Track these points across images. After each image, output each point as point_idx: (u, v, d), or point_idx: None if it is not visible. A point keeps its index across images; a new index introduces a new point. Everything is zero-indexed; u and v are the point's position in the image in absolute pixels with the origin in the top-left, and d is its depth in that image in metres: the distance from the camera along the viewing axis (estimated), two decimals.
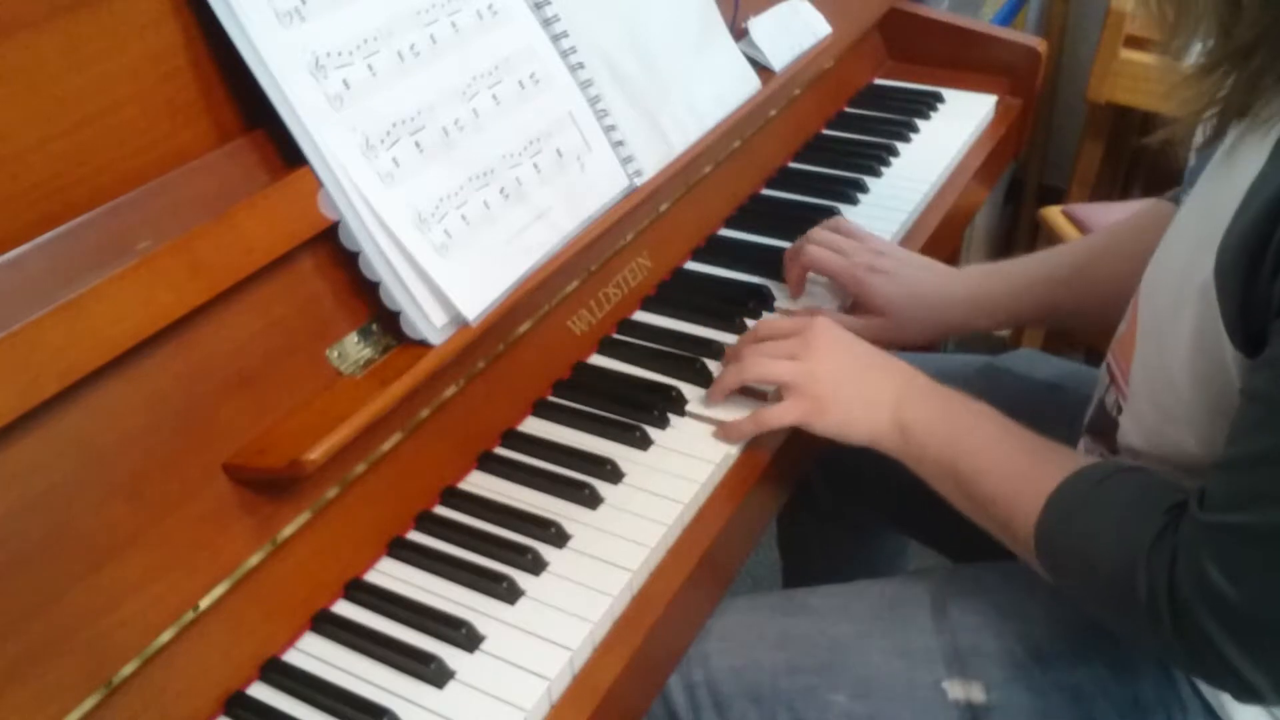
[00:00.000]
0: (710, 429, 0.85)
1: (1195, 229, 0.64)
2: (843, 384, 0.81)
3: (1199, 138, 0.71)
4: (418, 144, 0.76)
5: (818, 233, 1.01)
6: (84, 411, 0.61)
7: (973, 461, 0.75)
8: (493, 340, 0.83)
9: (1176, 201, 0.87)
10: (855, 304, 1.00)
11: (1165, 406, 0.70)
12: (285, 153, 0.72)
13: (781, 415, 0.82)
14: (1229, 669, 0.60)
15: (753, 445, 0.85)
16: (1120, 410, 0.77)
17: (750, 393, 0.87)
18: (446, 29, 0.80)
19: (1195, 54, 0.65)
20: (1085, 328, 0.98)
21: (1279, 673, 0.60)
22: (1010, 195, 2.43)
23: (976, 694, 0.77)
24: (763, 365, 0.84)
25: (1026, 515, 0.70)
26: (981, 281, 0.98)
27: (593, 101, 0.90)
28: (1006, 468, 0.73)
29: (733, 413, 0.85)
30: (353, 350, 0.76)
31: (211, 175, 0.70)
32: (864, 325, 0.96)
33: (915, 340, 0.98)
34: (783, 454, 0.86)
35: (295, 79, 0.70)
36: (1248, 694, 0.62)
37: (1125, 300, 0.77)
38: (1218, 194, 0.62)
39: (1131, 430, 0.75)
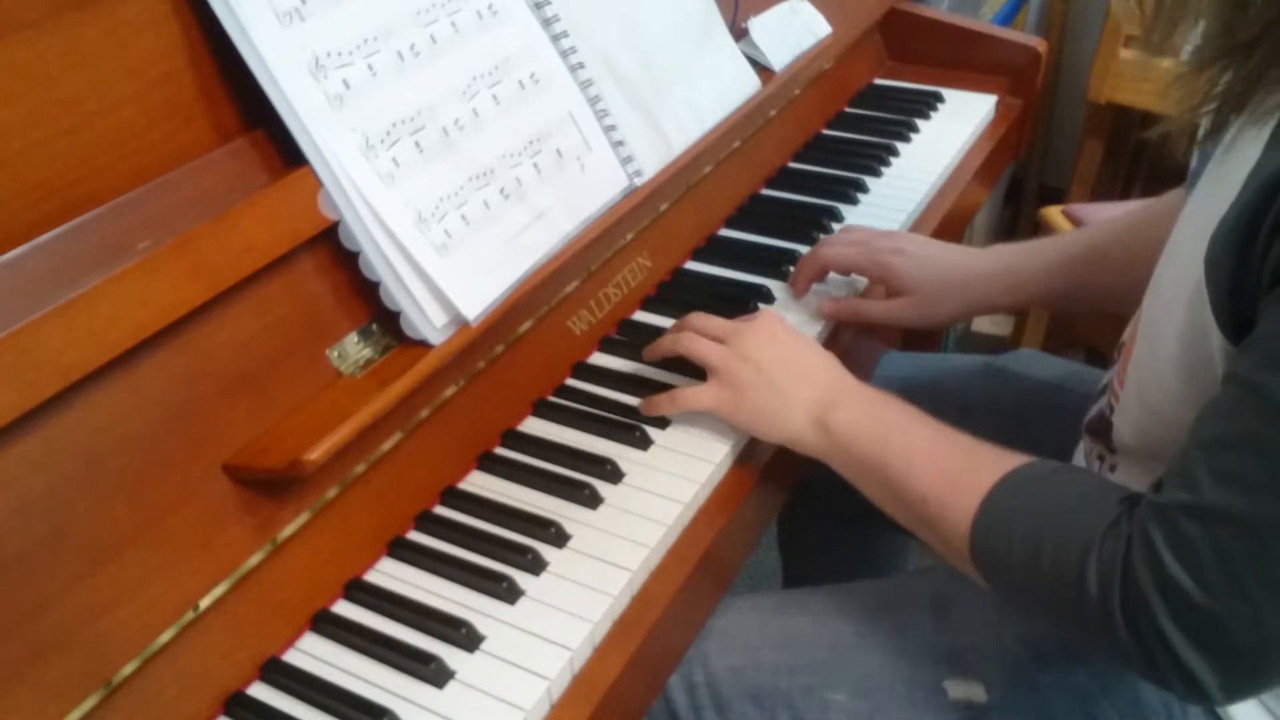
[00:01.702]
0: (710, 429, 0.85)
1: (1195, 227, 0.64)
2: (759, 378, 0.80)
3: (1201, 136, 0.71)
4: (418, 144, 0.76)
5: (830, 238, 1.01)
6: (84, 411, 0.61)
7: (901, 459, 0.73)
8: (493, 340, 0.83)
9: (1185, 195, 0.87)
10: (869, 288, 1.00)
11: (1151, 404, 0.69)
12: (285, 153, 0.72)
13: (696, 397, 0.82)
14: (1179, 665, 0.57)
15: (752, 445, 0.85)
16: (1112, 410, 0.77)
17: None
18: (446, 29, 0.80)
19: (1186, 50, 0.65)
20: (1099, 311, 0.97)
21: (1227, 667, 0.57)
22: (1010, 195, 2.43)
23: (977, 694, 0.77)
24: (695, 342, 0.83)
25: (961, 512, 0.68)
26: (1006, 258, 0.97)
27: (593, 101, 0.90)
28: (940, 466, 0.71)
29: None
30: (353, 350, 0.76)
31: (211, 175, 0.70)
32: (891, 305, 0.96)
33: (941, 318, 0.97)
34: (783, 454, 0.86)
35: (295, 79, 0.70)
36: (1196, 693, 0.58)
37: (1140, 287, 0.76)
38: (1217, 189, 0.62)
39: (1123, 429, 0.75)
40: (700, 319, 0.86)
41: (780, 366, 0.81)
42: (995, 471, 0.68)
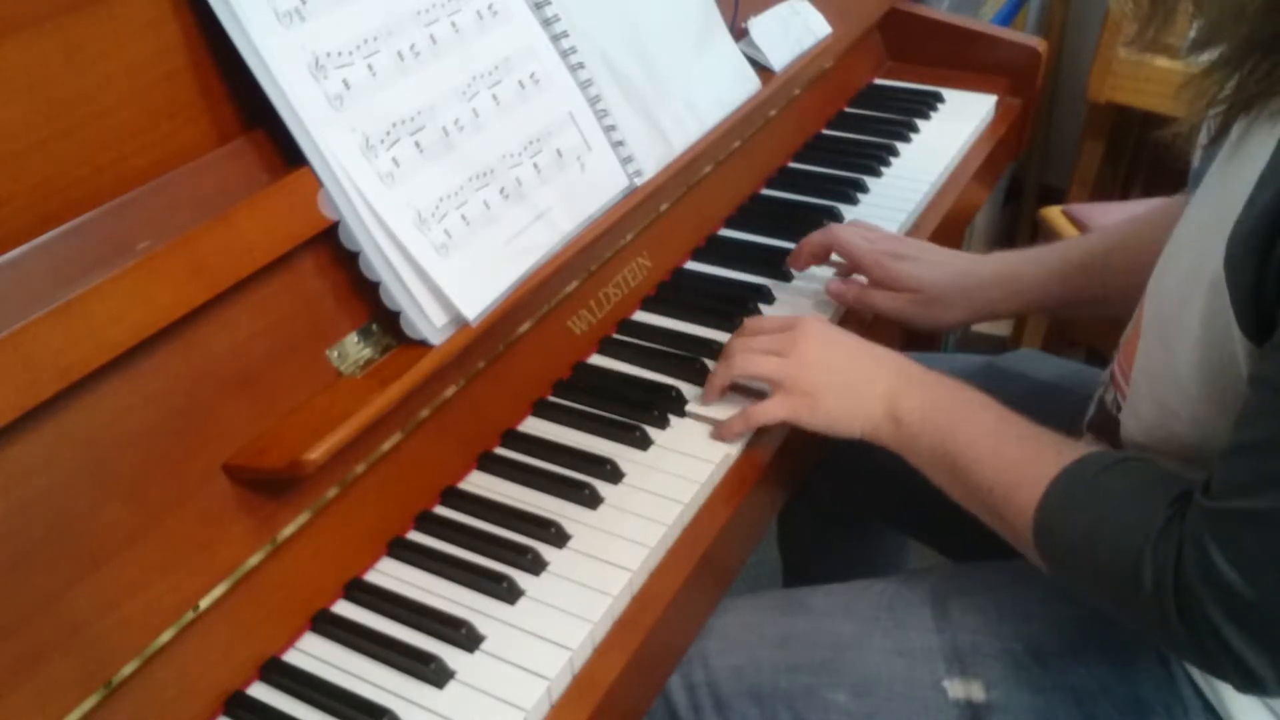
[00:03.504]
0: (710, 429, 0.85)
1: (1203, 224, 0.65)
2: (831, 378, 0.81)
3: (1203, 137, 0.71)
4: (418, 144, 0.76)
5: (843, 225, 1.01)
6: (84, 411, 0.61)
7: (969, 450, 0.74)
8: (493, 340, 0.83)
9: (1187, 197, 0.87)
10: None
11: (1165, 402, 0.70)
12: (285, 153, 0.72)
13: (771, 412, 0.82)
14: (1233, 658, 0.60)
15: (752, 445, 0.85)
16: (1119, 408, 0.77)
17: (749, 391, 0.87)
18: (446, 29, 0.80)
19: (1184, 49, 0.65)
20: (1103, 317, 0.98)
21: None
22: (1010, 195, 2.43)
23: (977, 693, 0.77)
24: (751, 362, 0.84)
25: (1024, 504, 0.70)
26: (1009, 265, 0.98)
27: (593, 101, 0.90)
28: (1004, 456, 0.73)
29: (731, 411, 0.85)
30: (353, 350, 0.76)
31: (211, 175, 0.70)
32: (901, 298, 0.97)
33: (944, 321, 0.97)
34: (782, 454, 0.86)
35: (295, 79, 0.70)
36: (1251, 684, 0.62)
37: (1141, 292, 0.77)
38: (1226, 188, 0.63)
39: (1133, 427, 0.75)
40: (746, 341, 0.86)
41: (848, 364, 0.82)
42: (1057, 463, 0.69)
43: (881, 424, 0.80)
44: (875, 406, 0.80)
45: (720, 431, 0.84)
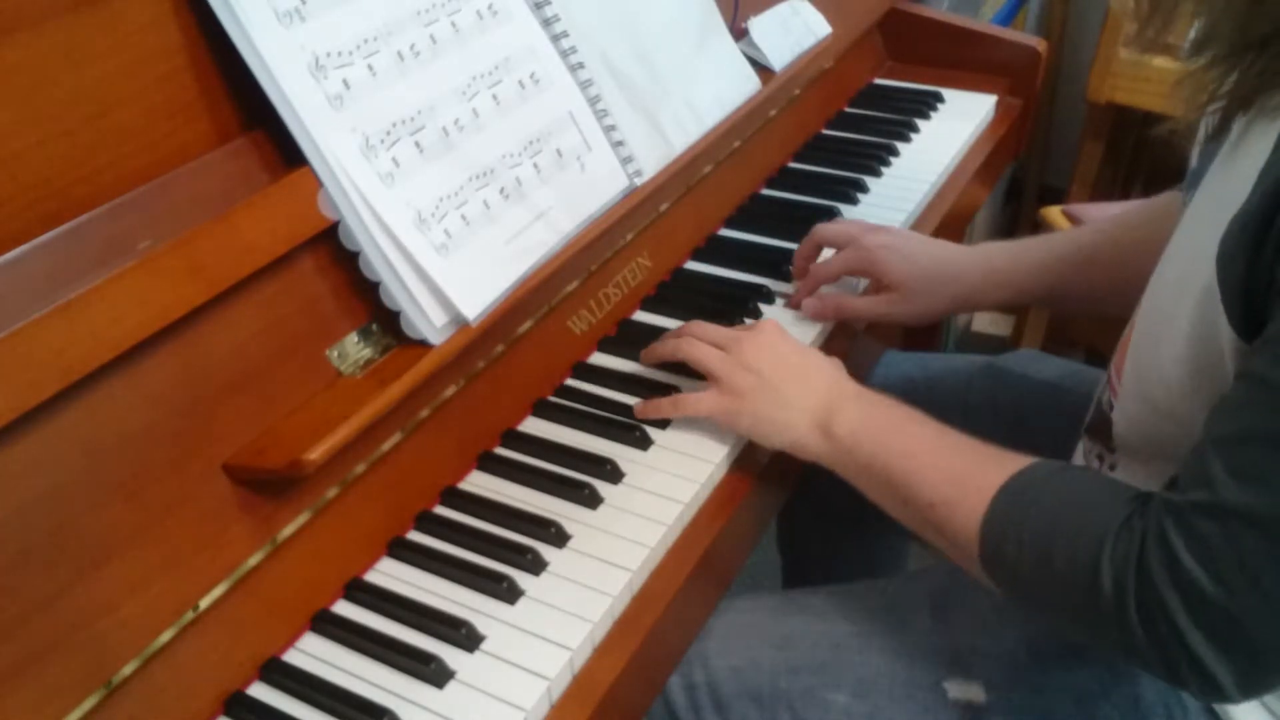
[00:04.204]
0: (710, 429, 0.85)
1: (1202, 224, 0.64)
2: (762, 386, 0.81)
3: (1201, 134, 0.71)
4: (418, 144, 0.76)
5: (825, 224, 1.01)
6: (84, 411, 0.61)
7: (908, 464, 0.73)
8: (493, 340, 0.83)
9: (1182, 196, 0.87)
10: (869, 287, 1.00)
11: (1154, 401, 0.69)
12: (285, 153, 0.72)
13: (698, 403, 0.82)
14: (1195, 663, 0.57)
15: (752, 445, 0.85)
16: (1112, 408, 0.77)
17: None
18: (446, 29, 0.80)
19: (1184, 47, 0.65)
20: (1090, 312, 0.97)
21: (1244, 664, 0.57)
22: (1010, 195, 2.43)
23: (976, 694, 0.77)
24: (695, 348, 0.84)
25: (969, 515, 0.67)
26: (992, 256, 0.97)
27: (593, 101, 0.90)
28: (945, 469, 0.71)
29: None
30: (353, 350, 0.76)
31: (211, 175, 0.70)
32: (876, 300, 0.96)
33: (928, 313, 0.97)
34: (782, 454, 0.86)
35: (295, 79, 0.70)
36: (1211, 691, 0.58)
37: (1130, 288, 0.76)
38: (1225, 186, 0.62)
39: (1123, 425, 0.75)
40: (701, 326, 0.86)
41: (781, 374, 0.81)
42: (1001, 473, 0.67)
43: (808, 438, 0.78)
44: (801, 421, 0.79)
45: (642, 409, 0.85)
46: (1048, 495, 0.65)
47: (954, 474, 0.70)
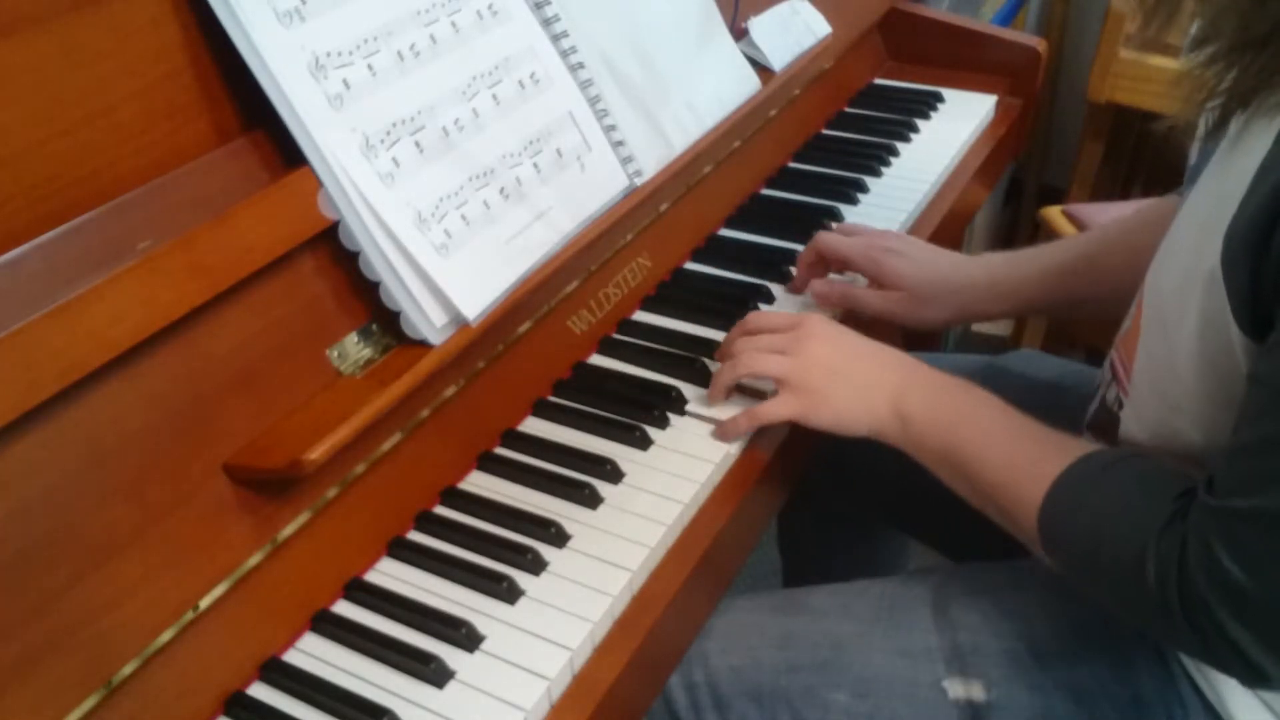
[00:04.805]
0: (710, 429, 0.85)
1: (1201, 219, 0.65)
2: (837, 376, 0.81)
3: (1200, 131, 0.71)
4: (418, 144, 0.76)
5: (829, 232, 1.01)
6: (84, 412, 0.61)
7: (974, 449, 0.75)
8: (493, 340, 0.83)
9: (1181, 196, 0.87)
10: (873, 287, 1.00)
11: (1169, 397, 0.70)
12: (285, 153, 0.72)
13: (776, 410, 0.82)
14: (1237, 652, 0.60)
15: (752, 444, 0.85)
16: (1121, 406, 0.77)
17: (750, 391, 0.87)
18: (446, 29, 0.80)
19: (1185, 45, 0.65)
20: (1095, 318, 0.98)
21: None
22: (1010, 195, 2.43)
23: (977, 693, 0.77)
24: (757, 361, 0.83)
25: (1030, 502, 0.70)
26: (999, 267, 0.98)
27: (593, 101, 0.90)
28: (1009, 455, 0.73)
29: (732, 411, 0.85)
30: (353, 350, 0.76)
31: (211, 175, 0.70)
32: (885, 296, 0.97)
33: (933, 321, 0.97)
34: (783, 453, 0.86)
35: (295, 79, 0.70)
36: (1255, 677, 0.62)
37: (1133, 292, 0.77)
38: (1224, 183, 0.63)
39: (1134, 424, 0.75)
40: (751, 340, 0.85)
41: (854, 363, 0.82)
42: (1060, 462, 0.69)
43: (888, 422, 0.80)
44: (882, 405, 0.80)
45: (723, 430, 0.84)
46: (1097, 491, 0.68)
47: (1015, 462, 0.73)
